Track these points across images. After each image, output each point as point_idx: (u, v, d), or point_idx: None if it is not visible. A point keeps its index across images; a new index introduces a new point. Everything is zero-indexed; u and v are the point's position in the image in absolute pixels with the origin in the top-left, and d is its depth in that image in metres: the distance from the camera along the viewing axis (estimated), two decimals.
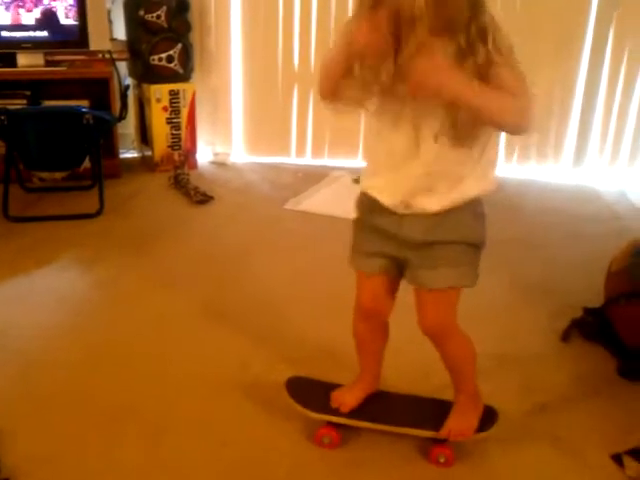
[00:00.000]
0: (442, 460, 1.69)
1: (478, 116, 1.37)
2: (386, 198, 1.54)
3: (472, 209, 1.53)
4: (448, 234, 1.52)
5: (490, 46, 1.35)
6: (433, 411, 1.75)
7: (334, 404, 1.76)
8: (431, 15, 1.27)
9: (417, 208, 1.50)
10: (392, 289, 1.68)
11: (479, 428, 1.69)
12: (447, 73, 1.31)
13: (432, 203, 1.49)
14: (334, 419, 1.74)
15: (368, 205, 1.62)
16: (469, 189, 1.49)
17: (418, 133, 1.43)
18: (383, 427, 1.73)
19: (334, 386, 1.83)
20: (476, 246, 1.57)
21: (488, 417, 1.71)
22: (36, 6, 3.49)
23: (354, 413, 1.74)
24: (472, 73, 1.33)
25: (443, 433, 1.68)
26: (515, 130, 1.41)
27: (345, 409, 1.74)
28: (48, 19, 3.52)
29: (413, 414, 1.77)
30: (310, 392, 1.84)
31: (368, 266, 1.68)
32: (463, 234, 1.54)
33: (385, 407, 1.80)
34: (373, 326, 1.76)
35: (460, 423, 1.69)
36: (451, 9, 1.31)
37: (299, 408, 1.77)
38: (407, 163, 1.47)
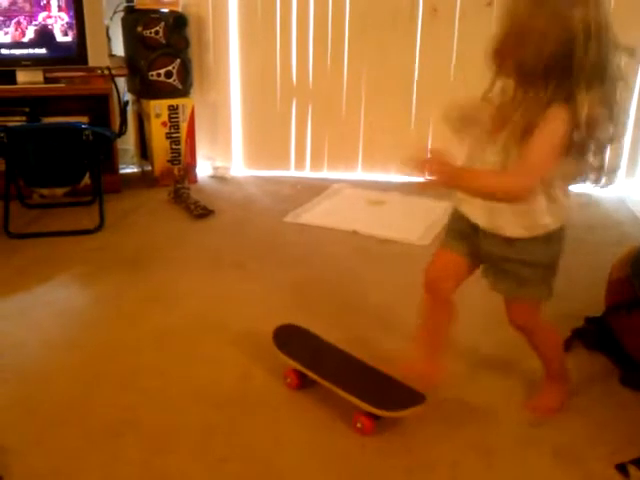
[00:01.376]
0: (359, 426, 1.80)
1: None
2: (470, 215, 1.71)
3: (544, 239, 1.66)
4: (520, 254, 1.67)
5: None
6: (386, 390, 1.87)
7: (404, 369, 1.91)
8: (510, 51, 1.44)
9: (499, 230, 1.66)
10: (462, 273, 1.81)
11: (403, 405, 1.80)
12: (444, 176, 1.52)
13: (505, 229, 1.64)
14: (296, 366, 1.96)
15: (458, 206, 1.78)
16: (546, 224, 1.63)
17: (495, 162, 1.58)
18: (333, 387, 1.86)
19: (319, 339, 2.09)
20: (548, 266, 1.72)
21: (413, 399, 1.81)
22: (30, 24, 3.51)
23: (316, 367, 1.93)
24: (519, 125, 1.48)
25: (529, 408, 1.91)
26: (508, 201, 1.56)
27: (430, 381, 1.89)
28: (47, 36, 3.54)
29: (364, 386, 1.88)
30: (291, 339, 2.10)
31: (449, 243, 1.81)
32: (534, 257, 1.68)
33: (345, 371, 1.96)
34: (434, 301, 1.87)
35: (544, 402, 1.91)
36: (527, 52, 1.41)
37: (275, 349, 2.03)
38: None
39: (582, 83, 1.41)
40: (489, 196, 1.56)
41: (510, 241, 1.65)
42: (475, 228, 1.71)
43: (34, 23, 3.51)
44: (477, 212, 1.68)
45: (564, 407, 1.95)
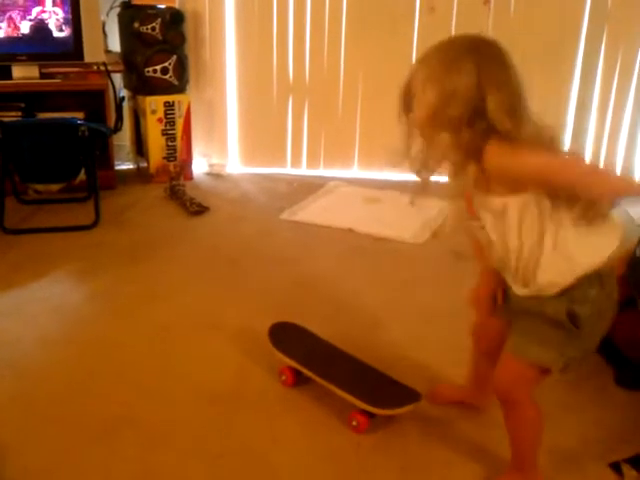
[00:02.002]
0: (354, 424, 1.80)
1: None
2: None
3: (571, 292, 1.44)
4: (536, 307, 1.48)
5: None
6: (382, 388, 1.88)
7: (433, 391, 1.93)
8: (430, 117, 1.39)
9: (541, 293, 1.47)
10: (503, 336, 1.58)
11: (398, 403, 1.80)
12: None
13: (517, 288, 1.52)
14: (292, 363, 1.96)
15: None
16: (546, 284, 1.44)
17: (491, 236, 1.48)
18: (329, 385, 1.87)
19: (315, 336, 2.10)
20: (564, 329, 1.44)
21: (409, 397, 1.81)
22: (24, 19, 3.50)
23: (312, 365, 1.94)
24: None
25: None
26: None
27: (434, 400, 1.91)
28: (42, 32, 3.53)
29: (360, 383, 1.89)
30: (287, 336, 2.11)
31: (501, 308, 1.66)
32: (550, 313, 1.46)
33: (340, 368, 1.97)
34: (480, 347, 1.78)
35: None
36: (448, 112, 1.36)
37: (270, 346, 2.04)
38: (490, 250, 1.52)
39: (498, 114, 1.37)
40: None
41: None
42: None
43: (28, 18, 3.49)
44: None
45: (559, 407, 1.96)
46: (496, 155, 1.35)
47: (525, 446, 1.61)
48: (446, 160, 1.45)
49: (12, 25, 3.48)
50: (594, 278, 1.43)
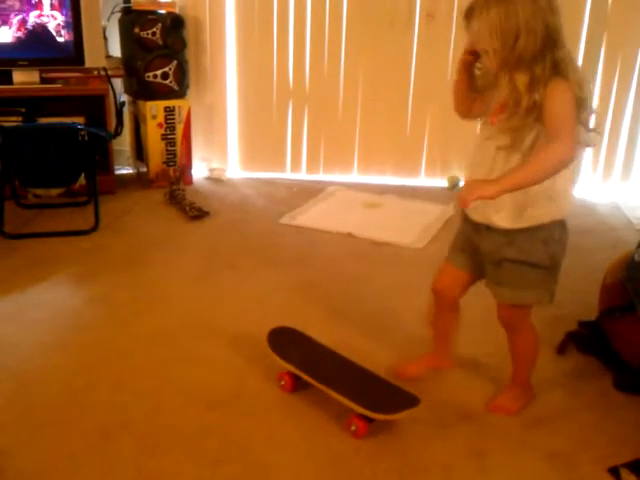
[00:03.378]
0: (353, 428, 1.81)
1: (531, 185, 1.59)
2: (469, 210, 1.77)
3: (543, 235, 1.69)
4: (516, 254, 1.70)
5: (559, 78, 1.53)
6: (380, 392, 1.89)
7: (398, 369, 2.06)
8: (499, 51, 1.54)
9: (489, 220, 1.71)
10: (466, 283, 1.91)
11: (397, 408, 1.82)
12: (480, 189, 1.54)
13: (501, 219, 1.69)
14: (291, 368, 1.97)
15: (462, 213, 1.86)
16: (537, 214, 1.67)
17: (496, 152, 1.65)
18: (327, 390, 1.87)
19: (313, 341, 2.11)
20: (545, 268, 1.72)
21: (407, 402, 1.82)
22: (22, 23, 3.50)
23: (310, 370, 1.95)
24: (532, 104, 1.54)
25: (489, 407, 1.94)
26: (562, 169, 1.57)
27: (404, 376, 2.02)
28: (43, 36, 3.53)
29: (359, 388, 1.90)
30: (286, 341, 2.11)
31: (452, 258, 1.92)
32: (530, 256, 1.71)
33: (339, 374, 1.97)
34: (441, 306, 1.98)
35: (505, 401, 1.93)
36: (520, 47, 1.52)
37: (269, 351, 2.04)
38: (485, 176, 1.64)
39: (558, 50, 1.54)
40: (548, 174, 1.56)
41: (507, 238, 1.70)
42: (476, 229, 1.78)
43: (28, 22, 3.50)
44: (476, 206, 1.69)
45: (558, 411, 1.96)
46: (560, 95, 1.52)
47: (524, 364, 1.92)
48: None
49: (13, 30, 3.49)
50: (564, 222, 1.72)
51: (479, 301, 1.88)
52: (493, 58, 1.57)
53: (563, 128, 1.53)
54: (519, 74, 1.55)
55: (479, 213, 1.73)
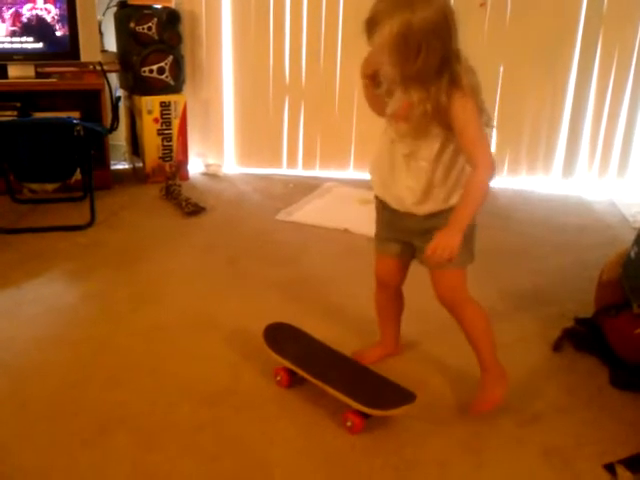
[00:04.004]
0: (349, 424, 1.81)
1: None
2: (388, 200, 1.90)
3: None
4: (439, 224, 1.71)
5: (458, 93, 1.61)
6: (376, 388, 1.90)
7: (355, 356, 2.09)
8: (398, 66, 1.61)
9: (412, 211, 1.81)
10: (403, 267, 2.00)
11: (393, 404, 1.83)
12: (450, 248, 1.61)
13: (419, 209, 1.80)
14: (286, 364, 1.98)
15: (380, 202, 1.97)
16: (451, 201, 1.76)
17: (401, 157, 1.80)
18: (323, 386, 1.88)
19: (309, 337, 2.12)
20: (466, 235, 1.68)
21: (403, 398, 1.84)
22: (15, 16, 3.48)
23: (306, 365, 1.95)
24: (434, 115, 1.63)
25: (473, 411, 1.88)
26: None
27: (363, 361, 2.05)
28: (39, 31, 3.52)
29: (355, 384, 1.90)
30: (282, 337, 2.12)
31: (382, 249, 2.01)
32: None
33: (335, 369, 1.98)
34: (387, 295, 2.09)
35: (484, 396, 1.88)
36: (419, 64, 1.57)
37: (265, 347, 2.05)
38: (399, 175, 1.82)
39: (456, 63, 1.61)
40: (486, 197, 1.66)
41: (427, 215, 1.80)
42: (395, 218, 1.89)
43: (23, 16, 3.48)
44: (395, 200, 1.86)
45: (554, 408, 1.96)
46: (461, 110, 1.61)
47: (483, 343, 1.89)
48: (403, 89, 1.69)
49: (7, 24, 3.47)
50: None
51: (479, 298, 1.88)
52: (391, 72, 1.65)
53: (477, 148, 1.63)
54: (415, 88, 1.63)
55: (402, 207, 1.84)
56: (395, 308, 2.14)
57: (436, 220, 1.75)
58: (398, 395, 1.84)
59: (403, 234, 1.90)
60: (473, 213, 1.67)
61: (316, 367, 1.95)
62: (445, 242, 1.62)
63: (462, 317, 1.88)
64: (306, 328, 2.17)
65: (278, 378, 2.01)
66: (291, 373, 1.99)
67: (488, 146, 1.68)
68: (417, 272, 1.93)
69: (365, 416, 1.80)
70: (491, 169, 1.63)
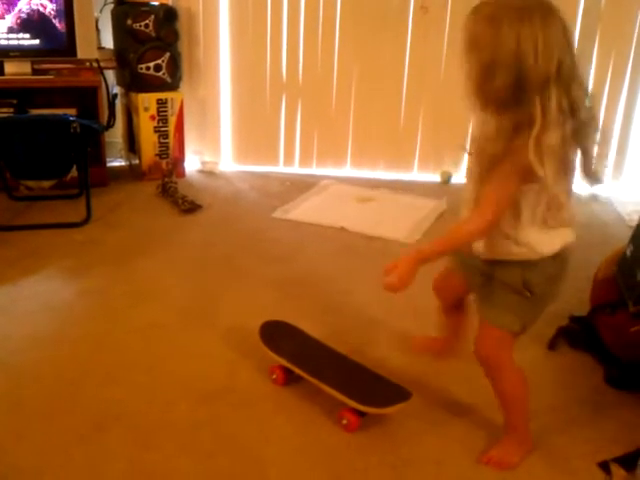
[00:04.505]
0: (344, 422, 1.81)
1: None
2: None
3: (524, 262, 1.60)
4: (498, 272, 1.64)
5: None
6: (372, 386, 1.90)
7: (414, 341, 2.15)
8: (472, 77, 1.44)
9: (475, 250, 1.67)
10: (458, 293, 1.91)
11: (388, 402, 1.82)
12: (400, 270, 1.57)
13: (483, 253, 1.65)
14: (282, 362, 1.97)
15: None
16: (507, 253, 1.60)
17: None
18: (319, 384, 1.88)
19: (305, 335, 2.12)
20: (522, 294, 1.61)
21: (399, 396, 1.83)
22: (9, 12, 3.47)
23: (302, 363, 1.95)
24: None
25: (483, 459, 1.73)
26: (476, 239, 1.62)
27: (413, 349, 2.12)
28: (35, 27, 3.51)
29: (350, 382, 1.89)
30: (278, 334, 2.12)
31: (453, 263, 1.88)
32: (510, 279, 1.62)
33: (331, 367, 1.97)
34: (442, 301, 1.99)
35: (501, 455, 1.73)
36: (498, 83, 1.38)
37: (261, 345, 2.05)
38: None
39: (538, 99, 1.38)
40: (464, 244, 1.64)
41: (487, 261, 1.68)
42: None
43: (19, 12, 3.47)
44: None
45: (549, 406, 1.97)
46: (524, 156, 1.38)
47: (515, 410, 1.73)
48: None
49: (3, 20, 3.46)
50: (553, 257, 1.61)
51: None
52: (468, 80, 1.46)
53: (486, 199, 1.49)
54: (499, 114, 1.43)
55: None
56: (450, 316, 2.01)
57: (498, 268, 1.64)
58: (394, 393, 1.85)
59: (475, 268, 1.74)
60: (442, 251, 1.60)
61: (312, 365, 1.96)
62: (396, 264, 1.57)
63: (495, 381, 1.70)
64: (302, 326, 2.18)
65: (274, 376, 2.01)
66: (287, 371, 1.99)
67: (494, 205, 1.50)
68: (420, 270, 1.93)
69: (361, 414, 1.81)
70: (484, 225, 1.51)
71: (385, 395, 1.85)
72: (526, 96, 1.37)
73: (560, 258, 1.63)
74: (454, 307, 1.97)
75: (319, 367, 1.95)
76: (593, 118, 1.46)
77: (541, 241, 1.58)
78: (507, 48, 1.35)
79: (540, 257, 1.58)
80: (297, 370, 1.95)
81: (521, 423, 1.74)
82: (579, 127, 1.42)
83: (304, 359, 1.99)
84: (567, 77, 1.39)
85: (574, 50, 1.43)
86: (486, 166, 1.47)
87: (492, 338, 1.67)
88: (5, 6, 3.46)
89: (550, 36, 1.36)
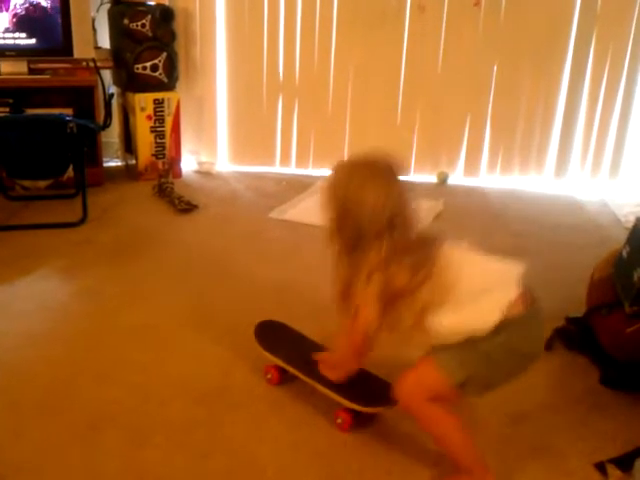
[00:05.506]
0: (339, 421, 1.83)
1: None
2: None
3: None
4: None
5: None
6: (366, 385, 1.90)
7: None
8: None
9: None
10: None
11: (382, 401, 1.79)
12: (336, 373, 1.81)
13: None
14: (277, 362, 2.00)
15: None
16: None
17: None
18: (314, 383, 1.90)
19: (301, 335, 2.14)
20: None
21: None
22: (1, 11, 3.46)
23: (297, 363, 1.96)
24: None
25: None
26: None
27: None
28: (31, 27, 3.50)
29: (346, 382, 1.86)
30: (273, 334, 2.13)
31: None
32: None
33: None
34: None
35: None
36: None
37: (256, 345, 2.06)
38: None
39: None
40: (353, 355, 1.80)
41: None
42: None
43: (15, 11, 3.46)
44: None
45: (545, 407, 1.97)
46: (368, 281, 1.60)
47: (450, 449, 1.64)
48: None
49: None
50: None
51: None
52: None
53: (355, 322, 1.66)
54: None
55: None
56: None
57: None
58: (388, 392, 1.84)
59: None
60: (344, 359, 1.83)
61: (306, 365, 1.95)
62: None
63: (416, 420, 1.63)
64: (298, 326, 2.17)
65: (269, 376, 2.01)
66: (282, 370, 1.99)
67: (362, 326, 1.64)
68: None
69: (355, 413, 1.81)
70: (352, 343, 1.74)
71: (379, 394, 1.84)
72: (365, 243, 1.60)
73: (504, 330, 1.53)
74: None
75: (314, 367, 1.94)
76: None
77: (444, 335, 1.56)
78: (351, 206, 1.62)
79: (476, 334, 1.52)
80: (292, 370, 1.95)
81: (467, 463, 1.61)
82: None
83: (299, 359, 1.98)
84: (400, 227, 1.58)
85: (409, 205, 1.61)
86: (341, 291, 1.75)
87: (417, 378, 1.60)
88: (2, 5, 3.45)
89: (389, 195, 1.58)
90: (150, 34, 3.76)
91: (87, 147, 3.32)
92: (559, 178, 4.19)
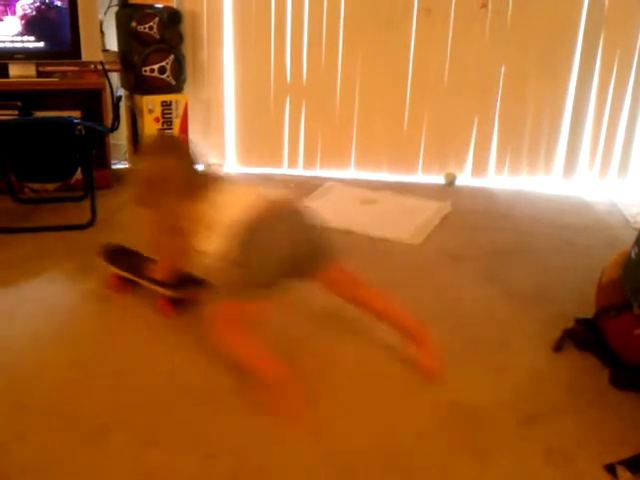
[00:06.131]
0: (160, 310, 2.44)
1: None
2: None
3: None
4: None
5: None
6: (182, 281, 2.42)
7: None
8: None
9: None
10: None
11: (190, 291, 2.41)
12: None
13: None
14: (118, 271, 2.57)
15: None
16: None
17: None
18: (142, 282, 2.48)
19: (139, 254, 2.60)
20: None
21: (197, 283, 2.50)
22: (8, 13, 3.47)
23: (133, 272, 2.53)
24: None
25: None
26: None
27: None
28: (40, 30, 3.52)
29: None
30: (117, 254, 2.65)
31: None
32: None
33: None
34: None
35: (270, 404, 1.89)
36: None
37: (98, 259, 2.63)
38: None
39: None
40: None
41: None
42: None
43: (24, 14, 3.48)
44: None
45: (555, 408, 1.96)
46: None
47: (257, 367, 1.93)
48: None
49: (8, 22, 3.47)
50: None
51: (480, 298, 1.88)
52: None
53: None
54: None
55: None
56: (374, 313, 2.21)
57: None
58: (199, 284, 2.42)
59: None
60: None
61: (139, 271, 2.48)
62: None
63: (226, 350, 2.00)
64: (305, 329, 2.17)
65: (110, 283, 2.56)
66: (121, 278, 2.55)
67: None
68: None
69: (173, 301, 2.39)
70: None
71: (190, 286, 2.41)
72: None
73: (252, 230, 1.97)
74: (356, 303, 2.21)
75: (145, 272, 2.45)
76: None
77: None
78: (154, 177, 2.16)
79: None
80: (128, 275, 2.52)
81: (264, 376, 1.90)
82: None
83: (133, 269, 2.51)
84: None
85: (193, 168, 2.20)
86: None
87: (220, 311, 1.98)
88: (3, 7, 3.46)
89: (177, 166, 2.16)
90: (158, 36, 3.77)
91: (95, 149, 3.32)
92: (567, 179, 4.18)
